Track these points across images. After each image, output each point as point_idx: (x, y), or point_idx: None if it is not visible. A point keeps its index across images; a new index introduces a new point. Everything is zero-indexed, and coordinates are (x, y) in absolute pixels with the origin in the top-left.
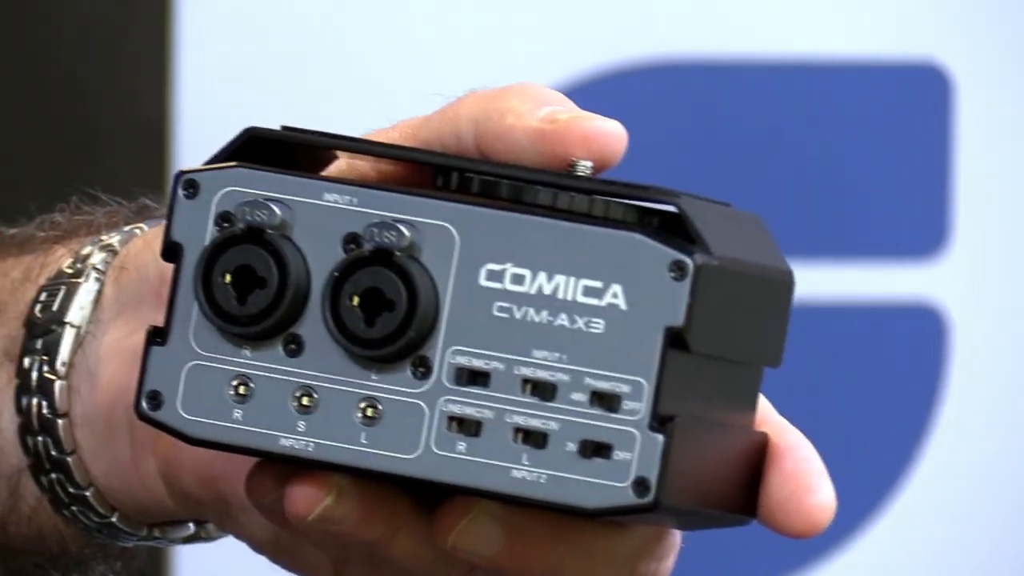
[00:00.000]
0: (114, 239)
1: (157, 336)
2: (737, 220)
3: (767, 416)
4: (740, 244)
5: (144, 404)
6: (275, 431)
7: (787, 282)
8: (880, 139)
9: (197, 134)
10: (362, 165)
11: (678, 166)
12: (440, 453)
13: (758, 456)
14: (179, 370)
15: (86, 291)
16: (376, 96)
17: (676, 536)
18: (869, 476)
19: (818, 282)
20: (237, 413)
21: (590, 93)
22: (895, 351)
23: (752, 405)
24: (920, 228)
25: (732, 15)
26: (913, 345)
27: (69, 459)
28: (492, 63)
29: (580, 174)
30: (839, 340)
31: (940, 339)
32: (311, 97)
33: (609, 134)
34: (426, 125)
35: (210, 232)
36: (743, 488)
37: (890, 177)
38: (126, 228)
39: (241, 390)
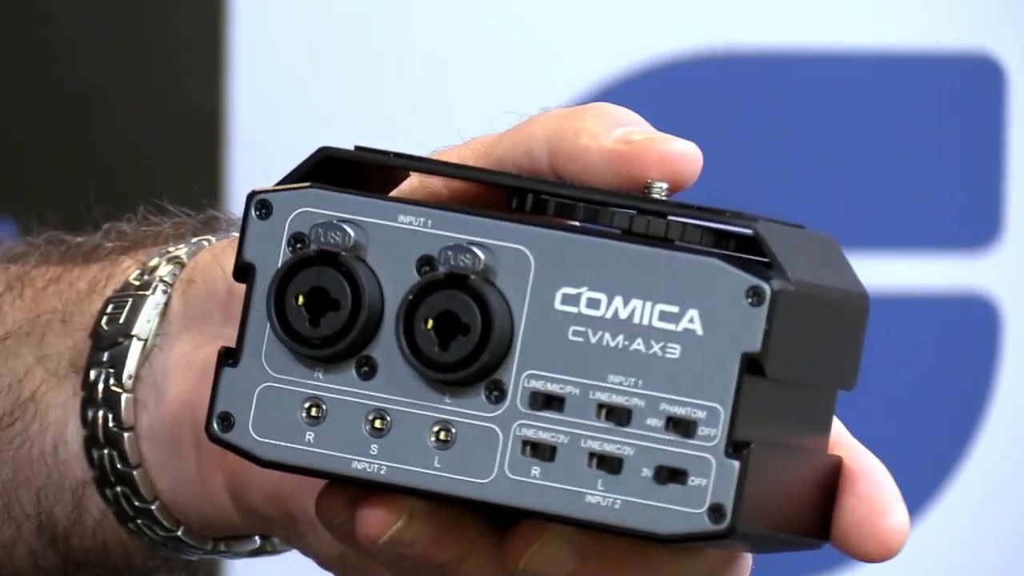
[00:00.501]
0: (181, 251)
1: (229, 357)
2: (812, 242)
3: (840, 439)
4: (816, 268)
5: (215, 426)
6: (347, 454)
7: (862, 305)
8: (933, 130)
9: (250, 125)
10: (435, 183)
11: (731, 158)
12: (514, 478)
13: (832, 479)
14: (251, 392)
15: (153, 304)
16: (429, 89)
17: (747, 559)
18: (920, 468)
19: (870, 273)
20: (309, 435)
21: (642, 86)
22: (947, 342)
23: (826, 428)
24: (973, 219)
25: (784, 6)
26: (965, 336)
27: (134, 472)
28: (542, 59)
29: (655, 195)
30: (891, 331)
31: (992, 330)
32: (365, 89)
33: (685, 156)
34: (499, 143)
35: (283, 253)
36: (817, 511)
37: (943, 168)
38: (193, 240)
39: (313, 412)
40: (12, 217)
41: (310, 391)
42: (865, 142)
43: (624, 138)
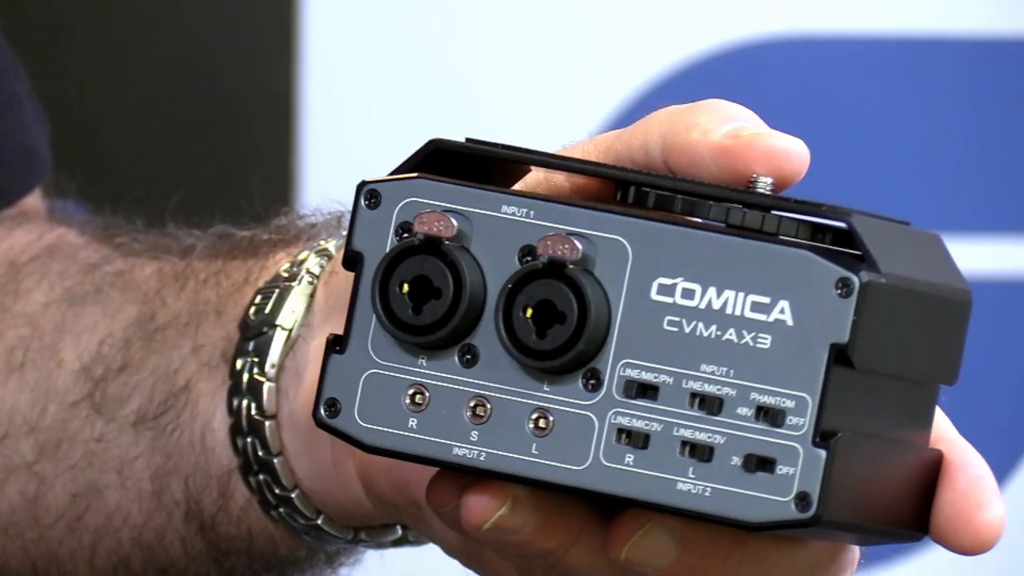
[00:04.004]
0: (330, 244)
1: (336, 344)
2: (912, 238)
3: (943, 433)
4: (912, 262)
5: (322, 411)
6: (449, 440)
7: (964, 300)
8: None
9: (324, 109)
10: (558, 177)
11: (815, 146)
12: (609, 465)
13: (931, 473)
14: (357, 378)
15: (298, 294)
16: (503, 72)
17: (854, 552)
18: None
19: (976, 258)
20: (412, 422)
21: (716, 70)
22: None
23: (926, 422)
24: None
25: None
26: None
27: (275, 460)
28: (614, 45)
29: (760, 191)
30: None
31: None
32: (438, 71)
33: (790, 152)
34: (620, 139)
35: (390, 242)
36: (914, 504)
37: (1009, 151)
38: (344, 233)
39: (417, 399)
40: (87, 200)
41: (414, 378)
42: (958, 126)
43: (732, 133)
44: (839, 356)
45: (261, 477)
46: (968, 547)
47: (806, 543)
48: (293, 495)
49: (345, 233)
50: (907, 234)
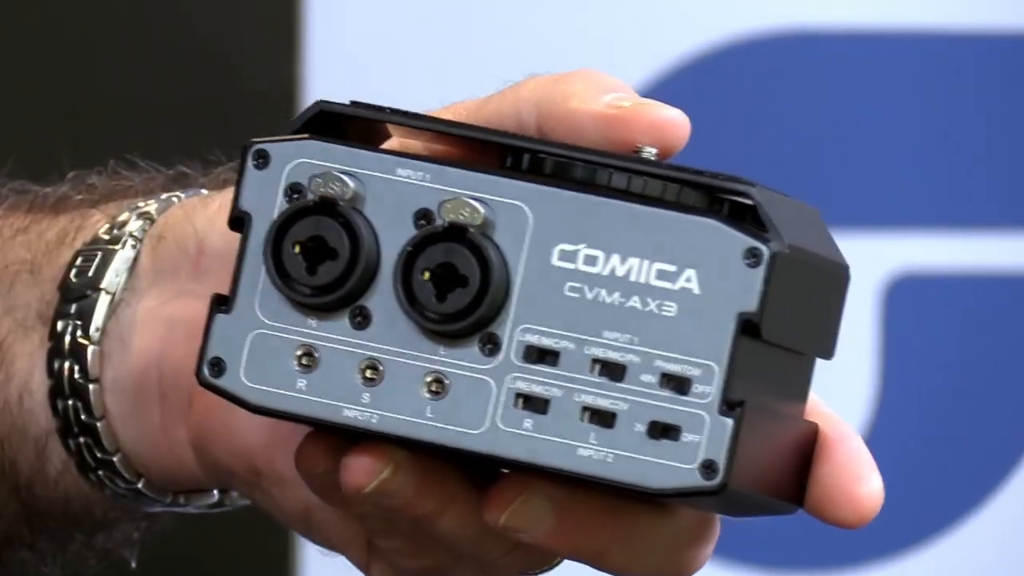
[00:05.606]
0: (151, 207)
1: (222, 304)
2: (800, 211)
3: (816, 406)
4: (805, 235)
5: (206, 371)
6: (339, 402)
7: (844, 276)
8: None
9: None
10: (415, 145)
11: (819, 142)
12: (506, 429)
13: (808, 445)
14: (243, 338)
15: (122, 258)
16: (506, 64)
17: (717, 525)
18: (982, 457)
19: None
20: (301, 383)
21: (717, 66)
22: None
23: (804, 395)
24: None
25: None
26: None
27: (98, 424)
28: (616, 41)
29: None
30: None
31: None
32: (440, 63)
33: (675, 122)
34: (485, 107)
35: (279, 203)
36: (794, 476)
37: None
38: (163, 196)
39: (305, 360)
40: None
41: (304, 339)
42: (937, 122)
43: (614, 103)
44: (746, 326)
45: (81, 440)
46: (848, 520)
47: (677, 514)
48: (115, 459)
49: (165, 196)
50: (796, 207)
